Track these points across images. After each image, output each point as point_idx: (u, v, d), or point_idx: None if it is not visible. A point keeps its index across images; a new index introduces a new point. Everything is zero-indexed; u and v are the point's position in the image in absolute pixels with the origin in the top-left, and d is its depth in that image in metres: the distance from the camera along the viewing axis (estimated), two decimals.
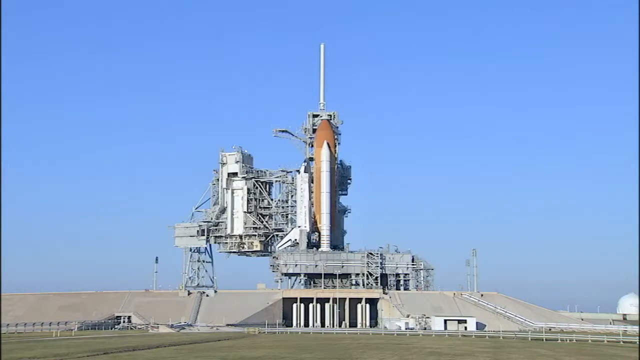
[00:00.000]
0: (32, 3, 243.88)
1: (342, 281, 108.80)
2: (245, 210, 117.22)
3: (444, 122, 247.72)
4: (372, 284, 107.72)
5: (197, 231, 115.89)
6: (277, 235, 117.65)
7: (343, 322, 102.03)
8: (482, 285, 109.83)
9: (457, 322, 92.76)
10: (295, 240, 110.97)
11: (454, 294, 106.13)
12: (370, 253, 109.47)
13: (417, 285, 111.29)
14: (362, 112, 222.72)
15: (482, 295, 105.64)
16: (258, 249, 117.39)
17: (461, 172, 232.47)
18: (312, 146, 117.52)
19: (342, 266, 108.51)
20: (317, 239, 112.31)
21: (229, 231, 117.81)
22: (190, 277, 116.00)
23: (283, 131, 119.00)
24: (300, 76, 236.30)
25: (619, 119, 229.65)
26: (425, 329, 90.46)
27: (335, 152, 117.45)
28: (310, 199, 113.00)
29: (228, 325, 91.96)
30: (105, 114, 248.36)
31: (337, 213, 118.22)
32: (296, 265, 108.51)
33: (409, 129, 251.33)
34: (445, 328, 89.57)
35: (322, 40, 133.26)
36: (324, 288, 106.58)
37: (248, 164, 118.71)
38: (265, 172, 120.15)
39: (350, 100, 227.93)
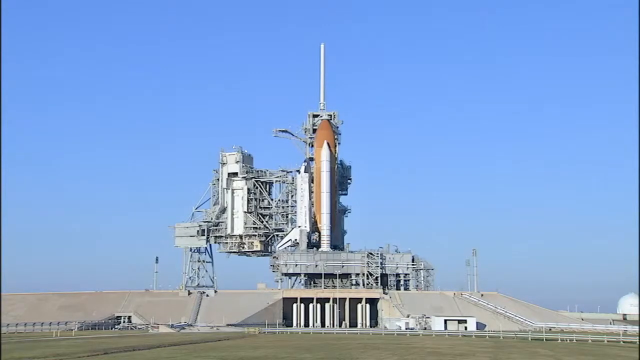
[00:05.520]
0: (32, 3, 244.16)
1: (342, 281, 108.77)
2: (246, 210, 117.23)
3: (443, 122, 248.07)
4: (372, 284, 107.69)
5: (197, 231, 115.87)
6: (277, 235, 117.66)
7: (343, 322, 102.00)
8: (482, 285, 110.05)
9: (457, 322, 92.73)
10: (295, 240, 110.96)
11: (454, 294, 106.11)
12: (370, 253, 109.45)
13: (417, 285, 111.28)
14: (362, 112, 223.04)
15: (482, 295, 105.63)
16: (258, 249, 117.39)
17: (461, 172, 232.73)
18: (312, 146, 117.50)
19: (342, 266, 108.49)
20: (317, 239, 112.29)
21: (229, 231, 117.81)
22: (190, 277, 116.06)
23: (283, 131, 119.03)
24: (300, 76, 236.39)
25: (619, 119, 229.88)
26: (425, 329, 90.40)
27: (335, 152, 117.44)
28: (310, 199, 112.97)
29: (228, 325, 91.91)
30: (105, 113, 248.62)
31: (337, 213, 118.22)
32: (296, 265, 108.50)
33: (408, 128, 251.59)
34: (446, 328, 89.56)
35: (322, 40, 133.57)
36: (324, 288, 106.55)
37: (248, 164, 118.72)
38: (265, 172, 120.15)
39: (350, 100, 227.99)
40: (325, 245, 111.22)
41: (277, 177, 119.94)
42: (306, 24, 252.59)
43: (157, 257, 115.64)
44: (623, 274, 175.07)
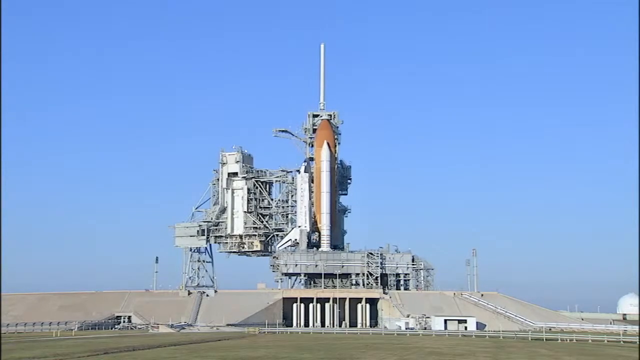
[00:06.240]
0: (31, 3, 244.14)
1: (342, 281, 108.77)
2: (246, 210, 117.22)
3: (444, 122, 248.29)
4: (372, 284, 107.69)
5: (197, 231, 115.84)
6: (277, 235, 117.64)
7: (343, 322, 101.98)
8: (482, 285, 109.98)
9: (457, 322, 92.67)
10: (295, 240, 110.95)
11: (454, 294, 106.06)
12: (370, 253, 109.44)
13: (417, 285, 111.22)
14: (362, 112, 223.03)
15: (482, 295, 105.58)
16: (258, 249, 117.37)
17: (461, 171, 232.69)
18: (312, 146, 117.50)
19: (342, 266, 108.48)
20: (317, 239, 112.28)
21: (229, 231, 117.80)
22: (190, 277, 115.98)
23: (283, 131, 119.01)
24: (300, 76, 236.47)
25: (618, 119, 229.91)
26: (425, 328, 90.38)
27: (335, 152, 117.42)
28: (310, 199, 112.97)
29: (228, 325, 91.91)
30: (105, 113, 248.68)
31: (337, 213, 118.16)
32: (296, 265, 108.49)
33: (409, 128, 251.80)
34: (446, 328, 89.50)
35: (322, 40, 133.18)
36: (324, 288, 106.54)
37: (248, 164, 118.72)
38: (265, 172, 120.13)
39: (350, 100, 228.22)
40: (325, 245, 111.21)
41: (277, 177, 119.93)
42: (306, 24, 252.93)
43: (157, 257, 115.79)
44: (623, 274, 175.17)
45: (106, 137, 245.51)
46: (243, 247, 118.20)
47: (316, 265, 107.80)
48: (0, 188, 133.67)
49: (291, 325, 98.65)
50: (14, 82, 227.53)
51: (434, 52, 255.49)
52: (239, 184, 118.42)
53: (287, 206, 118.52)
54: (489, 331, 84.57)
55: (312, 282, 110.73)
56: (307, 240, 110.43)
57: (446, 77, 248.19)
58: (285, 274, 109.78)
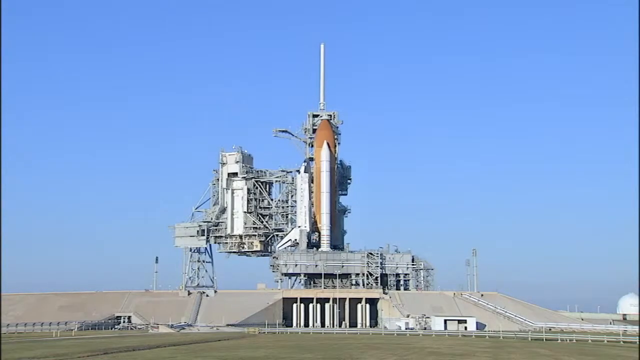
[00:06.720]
0: (31, 3, 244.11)
1: (342, 281, 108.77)
2: (245, 210, 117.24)
3: (443, 122, 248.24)
4: (372, 284, 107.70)
5: (197, 231, 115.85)
6: (277, 235, 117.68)
7: (343, 322, 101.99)
8: (482, 285, 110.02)
9: (457, 322, 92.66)
10: (295, 240, 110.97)
11: (454, 294, 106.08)
12: (370, 253, 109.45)
13: (417, 285, 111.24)
14: (362, 112, 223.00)
15: (482, 295, 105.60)
16: (258, 249, 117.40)
17: (461, 171, 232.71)
18: (312, 146, 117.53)
19: (342, 266, 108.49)
20: (317, 239, 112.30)
21: (229, 231, 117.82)
22: (190, 277, 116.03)
23: (283, 131, 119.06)
24: (300, 76, 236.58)
25: (619, 119, 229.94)
26: (425, 329, 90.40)
27: (335, 152, 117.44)
28: (310, 199, 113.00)
29: (228, 325, 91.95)
30: (105, 114, 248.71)
31: (337, 213, 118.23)
32: (296, 265, 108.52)
33: (408, 128, 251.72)
34: (445, 328, 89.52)
35: (322, 40, 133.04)
36: (324, 288, 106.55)
37: (248, 164, 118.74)
38: (265, 172, 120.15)
39: (350, 100, 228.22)
40: (325, 245, 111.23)
41: (277, 177, 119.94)
42: (306, 24, 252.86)
43: (157, 257, 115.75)
44: (623, 274, 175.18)
45: (106, 137, 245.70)
46: (243, 247, 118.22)
47: (316, 266, 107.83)
48: (0, 188, 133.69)
49: (291, 326, 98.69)
50: (14, 82, 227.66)
51: (434, 52, 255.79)
52: (238, 184, 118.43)
53: (287, 206, 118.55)
54: (488, 331, 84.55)
55: (312, 282, 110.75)
56: (307, 240, 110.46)
57: (446, 77, 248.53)
58: (285, 274, 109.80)
